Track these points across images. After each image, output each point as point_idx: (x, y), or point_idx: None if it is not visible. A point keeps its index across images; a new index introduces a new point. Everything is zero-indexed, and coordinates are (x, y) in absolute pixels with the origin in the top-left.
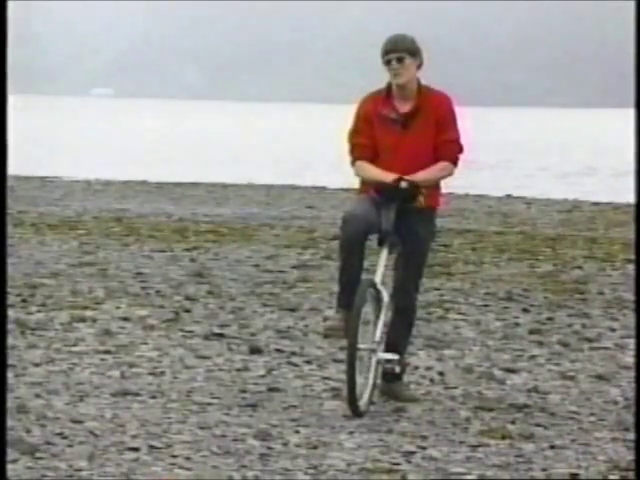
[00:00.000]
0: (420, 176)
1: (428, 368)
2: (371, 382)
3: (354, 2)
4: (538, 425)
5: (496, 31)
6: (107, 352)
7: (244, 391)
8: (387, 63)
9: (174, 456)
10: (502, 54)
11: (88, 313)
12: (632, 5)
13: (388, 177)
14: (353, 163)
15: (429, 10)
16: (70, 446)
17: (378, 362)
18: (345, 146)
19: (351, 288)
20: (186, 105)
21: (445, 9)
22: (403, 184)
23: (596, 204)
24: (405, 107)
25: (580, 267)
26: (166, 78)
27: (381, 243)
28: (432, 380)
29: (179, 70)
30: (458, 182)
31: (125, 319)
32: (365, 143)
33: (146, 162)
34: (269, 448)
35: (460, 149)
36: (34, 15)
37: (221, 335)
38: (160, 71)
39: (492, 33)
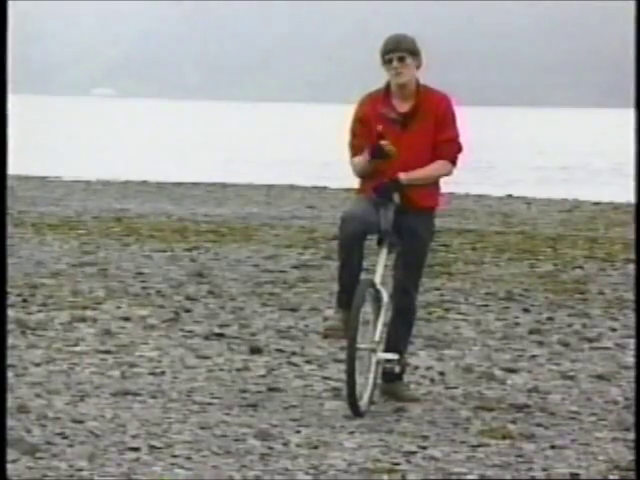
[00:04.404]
0: (416, 174)
1: (428, 368)
2: (371, 382)
3: (354, 2)
4: (539, 425)
5: (496, 31)
6: (107, 352)
7: (244, 391)
8: (388, 62)
9: (174, 456)
10: (502, 54)
11: (88, 313)
12: (632, 5)
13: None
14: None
15: (429, 10)
16: (71, 446)
17: (378, 362)
18: (345, 146)
19: (350, 288)
20: (186, 105)
21: (445, 9)
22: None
23: (596, 204)
24: (404, 107)
25: (580, 267)
26: (166, 78)
27: (380, 243)
28: (432, 380)
29: (179, 70)
30: (459, 182)
31: (125, 319)
32: (361, 145)
33: (146, 162)
34: (270, 448)
35: (459, 148)
36: (34, 15)
37: (221, 335)
38: (161, 71)
39: (492, 33)
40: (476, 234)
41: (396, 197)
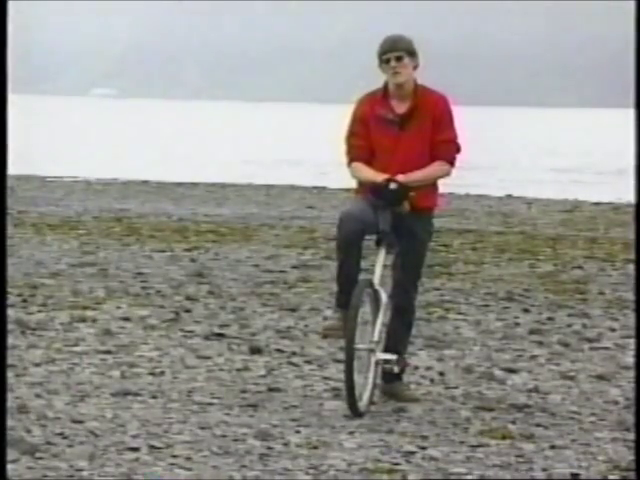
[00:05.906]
0: (414, 176)
1: (428, 368)
2: (371, 382)
3: (354, 2)
4: (538, 425)
5: (496, 32)
6: (107, 352)
7: (244, 391)
8: (386, 62)
9: (174, 456)
10: (502, 54)
11: (88, 313)
12: (632, 5)
13: (378, 178)
14: (349, 164)
15: (429, 11)
16: (70, 446)
17: (377, 362)
18: (343, 146)
19: (349, 288)
20: (186, 105)
21: (445, 9)
22: (392, 185)
23: (596, 204)
24: (402, 108)
25: (580, 267)
26: (167, 78)
27: (379, 243)
28: (432, 380)
29: (180, 70)
30: (459, 182)
31: (125, 319)
32: (361, 144)
33: (146, 162)
34: (269, 448)
35: (457, 149)
36: (34, 15)
37: (221, 335)
38: (161, 71)
39: (492, 34)
40: (476, 234)
41: (406, 205)
